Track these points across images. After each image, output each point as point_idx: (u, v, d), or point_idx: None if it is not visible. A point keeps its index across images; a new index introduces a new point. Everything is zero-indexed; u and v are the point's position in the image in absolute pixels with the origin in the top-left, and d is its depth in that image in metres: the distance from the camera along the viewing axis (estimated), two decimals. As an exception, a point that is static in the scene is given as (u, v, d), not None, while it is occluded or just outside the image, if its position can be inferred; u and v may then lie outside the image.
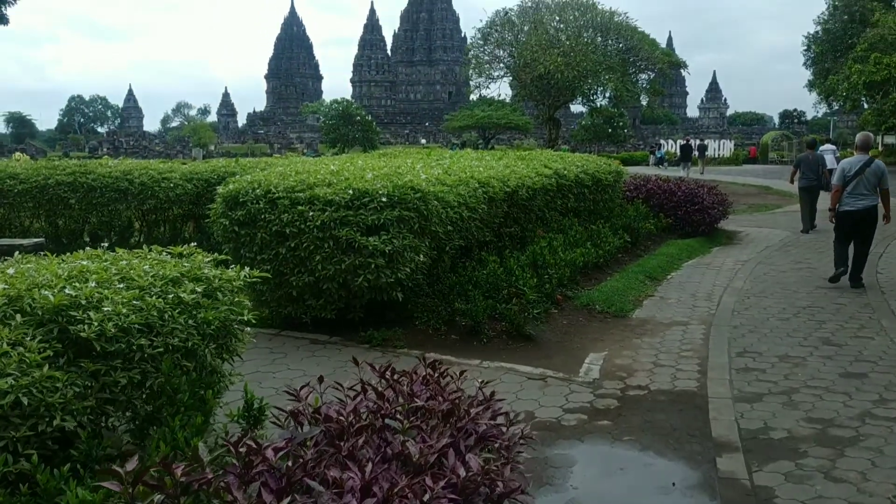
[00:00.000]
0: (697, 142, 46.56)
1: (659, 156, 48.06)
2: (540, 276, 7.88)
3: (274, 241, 6.34)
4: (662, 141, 58.24)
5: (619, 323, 7.63)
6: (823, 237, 13.57)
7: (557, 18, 27.72)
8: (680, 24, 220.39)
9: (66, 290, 3.18)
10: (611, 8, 27.64)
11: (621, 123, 51.99)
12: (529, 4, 28.34)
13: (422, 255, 6.46)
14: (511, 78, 30.65)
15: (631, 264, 10.43)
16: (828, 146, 24.44)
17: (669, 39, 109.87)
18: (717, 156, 52.23)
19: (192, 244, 4.33)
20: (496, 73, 29.56)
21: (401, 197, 6.27)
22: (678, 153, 51.04)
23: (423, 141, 69.75)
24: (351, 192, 6.25)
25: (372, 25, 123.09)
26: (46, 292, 3.13)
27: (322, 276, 6.21)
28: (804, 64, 52.04)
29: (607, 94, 30.02)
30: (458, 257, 7.81)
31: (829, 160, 26.40)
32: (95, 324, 3.05)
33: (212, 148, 60.37)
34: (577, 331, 7.26)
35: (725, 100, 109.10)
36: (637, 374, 5.96)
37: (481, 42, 29.39)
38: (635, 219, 11.67)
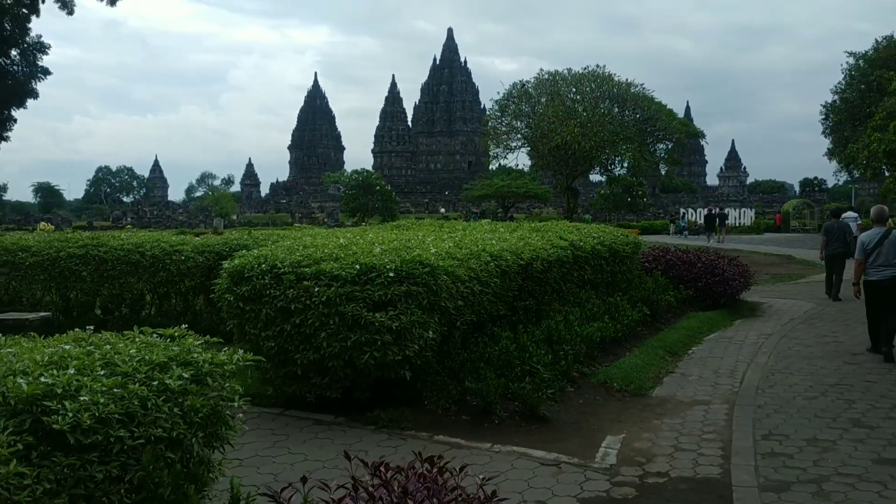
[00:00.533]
0: (717, 210, 46.46)
1: (682, 224, 47.93)
2: (555, 352, 7.62)
3: (279, 318, 6.17)
4: (683, 210, 58.15)
5: (638, 402, 7.32)
6: (849, 308, 13.21)
7: (574, 90, 27.99)
8: (697, 94, 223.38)
9: (43, 378, 3.01)
10: (627, 79, 27.93)
11: (640, 192, 52.03)
12: (546, 76, 28.69)
13: (431, 332, 6.26)
14: (529, 148, 30.83)
15: (650, 339, 10.13)
16: (850, 213, 24.23)
17: (687, 109, 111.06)
18: (738, 224, 51.88)
19: (203, 316, 4.16)
20: (514, 144, 29.78)
21: (409, 272, 6.11)
22: (699, 222, 50.96)
23: (443, 210, 70.16)
24: (358, 266, 6.10)
25: (393, 97, 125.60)
26: (21, 380, 2.96)
27: (327, 353, 6.02)
28: (823, 132, 51.99)
29: (625, 164, 30.04)
30: (470, 332, 7.59)
31: (853, 228, 26.26)
32: (70, 414, 2.87)
33: (234, 217, 61.00)
34: (594, 411, 6.96)
35: (745, 168, 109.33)
36: (657, 460, 5.64)
37: (499, 113, 29.70)
38: (654, 291, 11.42)
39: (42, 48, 37.05)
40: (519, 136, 29.24)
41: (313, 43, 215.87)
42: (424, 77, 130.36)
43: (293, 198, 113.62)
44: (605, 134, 25.94)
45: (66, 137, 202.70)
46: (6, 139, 38.12)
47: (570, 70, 28.68)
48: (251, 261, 6.42)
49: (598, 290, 11.08)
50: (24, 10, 37.16)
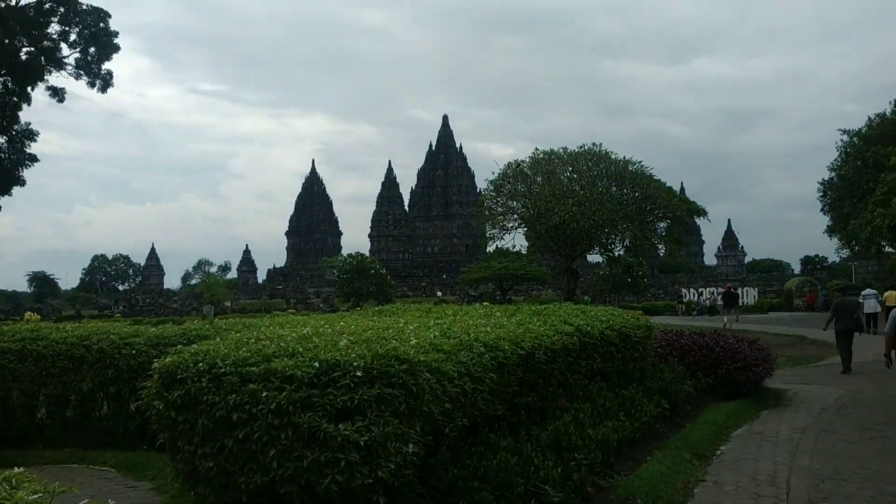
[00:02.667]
0: (715, 290, 45.36)
1: (706, 302, 46.51)
2: (565, 462, 6.33)
3: (219, 431, 4.90)
4: (684, 290, 57.03)
5: (669, 523, 5.99)
6: (884, 396, 11.92)
7: (570, 169, 27.24)
8: (692, 175, 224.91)
9: None
10: (624, 157, 27.19)
11: (640, 273, 51.05)
12: (542, 156, 27.98)
13: (411, 445, 4.98)
14: (526, 229, 29.89)
15: (672, 437, 8.82)
16: (869, 291, 23.59)
17: (682, 190, 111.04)
18: (742, 303, 50.70)
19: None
20: (510, 224, 28.83)
21: (381, 370, 4.89)
22: (706, 302, 49.71)
23: (439, 293, 69.16)
24: (317, 364, 4.87)
25: (389, 182, 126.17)
26: None
27: (279, 475, 4.73)
28: (822, 209, 51.48)
29: (626, 244, 29.06)
30: (462, 440, 6.31)
31: (873, 304, 25.24)
32: None
33: (227, 304, 59.67)
34: (616, 538, 5.63)
35: (742, 247, 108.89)
36: None
37: (493, 194, 28.87)
38: (672, 381, 10.15)
39: (31, 135, 36.61)
40: (515, 216, 28.29)
41: (312, 131, 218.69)
42: (421, 162, 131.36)
43: (290, 283, 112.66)
44: (604, 213, 25.01)
45: (66, 227, 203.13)
46: (-10, 226, 37.17)
47: (565, 149, 28.04)
48: (187, 359, 5.17)
49: (608, 380, 9.81)
50: (14, 99, 36.89)
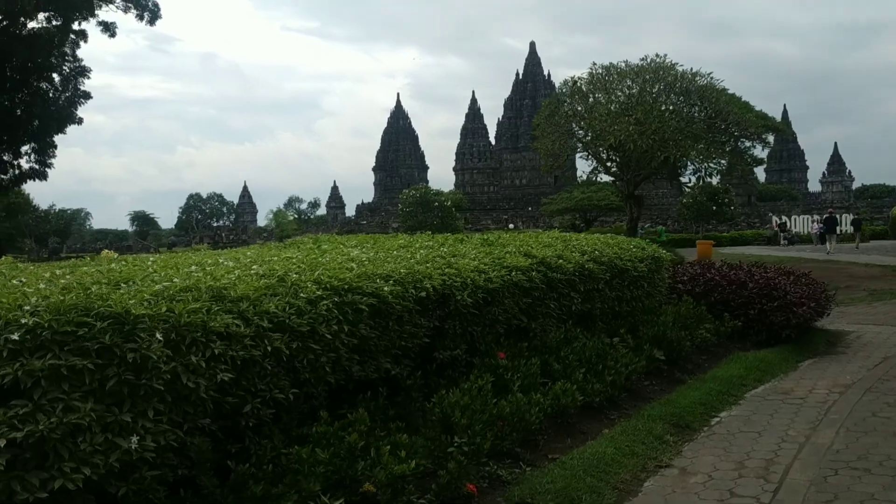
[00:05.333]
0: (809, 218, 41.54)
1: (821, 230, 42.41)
2: (442, 447, 4.55)
3: None
4: (775, 217, 52.90)
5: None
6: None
7: (630, 83, 24.51)
8: (797, 97, 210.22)
9: None
10: (691, 68, 24.20)
11: (726, 200, 47.45)
12: (600, 70, 25.32)
13: (135, 439, 3.31)
14: (587, 153, 27.50)
15: (657, 399, 6.86)
16: None
17: (784, 113, 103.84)
18: (839, 231, 46.51)
19: None
20: (567, 150, 26.46)
21: (61, 330, 3.21)
22: (809, 230, 45.43)
23: (511, 226, 67.25)
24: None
25: (473, 114, 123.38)
26: None
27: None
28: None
29: (704, 169, 26.23)
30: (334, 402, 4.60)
31: None
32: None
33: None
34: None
35: (850, 172, 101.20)
36: None
37: (550, 113, 26.51)
38: (674, 325, 8.07)
39: (84, 72, 36.25)
40: (574, 139, 25.87)
41: (402, 65, 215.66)
42: (507, 92, 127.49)
43: (375, 218, 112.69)
44: (667, 130, 22.33)
45: (170, 168, 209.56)
46: (50, 166, 37.41)
47: (627, 62, 25.22)
48: None
49: (592, 325, 7.89)
50: (72, 36, 36.51)
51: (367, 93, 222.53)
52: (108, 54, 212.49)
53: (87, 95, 36.33)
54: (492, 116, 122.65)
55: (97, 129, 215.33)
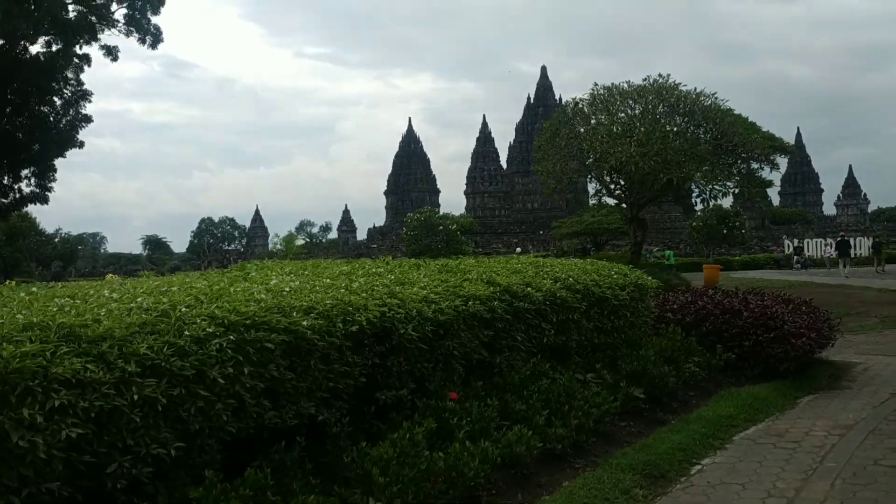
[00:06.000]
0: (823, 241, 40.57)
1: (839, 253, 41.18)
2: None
3: None
4: (787, 241, 51.94)
5: None
6: None
7: (632, 103, 23.89)
8: (812, 119, 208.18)
9: None
10: (695, 88, 23.56)
11: (737, 223, 46.57)
12: (602, 91, 24.73)
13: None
14: (589, 176, 26.87)
15: (632, 444, 6.14)
16: None
17: (798, 136, 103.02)
18: (855, 255, 45.50)
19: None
20: (568, 173, 25.82)
21: None
22: (823, 254, 44.29)
23: (519, 250, 66.59)
24: None
25: (485, 138, 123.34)
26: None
27: None
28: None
29: (710, 192, 25.46)
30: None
31: None
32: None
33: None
34: None
35: (865, 195, 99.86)
36: None
37: (551, 134, 25.92)
38: (657, 359, 7.36)
39: (85, 96, 36.15)
40: (575, 161, 25.20)
41: (417, 90, 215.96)
42: (519, 116, 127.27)
43: (386, 242, 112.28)
44: (669, 152, 21.66)
45: (186, 192, 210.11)
46: (50, 189, 37.20)
47: (629, 83, 24.64)
48: None
49: (568, 358, 7.22)
50: (75, 60, 36.43)
51: (382, 117, 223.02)
52: (125, 80, 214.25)
53: (87, 119, 36.20)
54: (504, 140, 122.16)
55: (114, 153, 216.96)
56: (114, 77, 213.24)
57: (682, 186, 25.11)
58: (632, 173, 22.20)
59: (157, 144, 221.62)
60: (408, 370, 5.48)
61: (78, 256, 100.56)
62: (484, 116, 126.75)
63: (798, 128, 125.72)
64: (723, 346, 8.62)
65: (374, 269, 6.52)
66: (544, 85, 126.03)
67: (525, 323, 6.65)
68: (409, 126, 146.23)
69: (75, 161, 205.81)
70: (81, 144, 36.80)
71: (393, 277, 5.90)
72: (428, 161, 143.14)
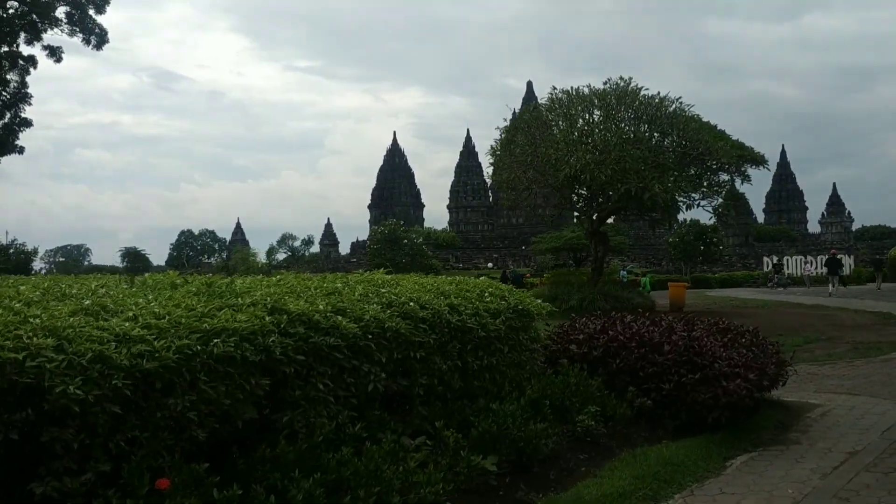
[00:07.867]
0: (803, 259, 38.87)
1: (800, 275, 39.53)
2: None
3: None
4: (767, 258, 50.25)
5: None
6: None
7: (593, 108, 22.17)
8: (797, 138, 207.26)
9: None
10: (659, 92, 21.87)
11: (715, 239, 44.88)
12: (561, 95, 23.04)
13: None
14: (544, 187, 25.09)
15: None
16: None
17: (783, 153, 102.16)
18: (845, 273, 43.87)
19: None
20: (524, 182, 24.05)
21: None
22: (802, 272, 42.79)
23: (490, 265, 65.04)
24: None
25: (468, 152, 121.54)
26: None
27: None
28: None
29: (671, 203, 23.64)
30: None
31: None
32: None
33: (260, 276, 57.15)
34: None
35: (849, 213, 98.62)
36: None
37: (504, 146, 24.17)
38: (524, 415, 5.46)
39: (25, 98, 34.26)
40: (531, 170, 23.41)
41: (405, 105, 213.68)
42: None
43: (366, 256, 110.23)
44: (628, 160, 19.91)
45: (174, 205, 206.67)
46: (-16, 198, 35.10)
47: (590, 86, 22.94)
48: None
49: (411, 411, 5.35)
50: (20, 62, 34.54)
51: (371, 131, 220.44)
52: (114, 91, 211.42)
53: (27, 123, 34.28)
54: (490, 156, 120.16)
55: (101, 165, 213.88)
56: (104, 88, 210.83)
57: (664, 199, 23.08)
58: (589, 182, 20.47)
59: (145, 157, 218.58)
60: (100, 443, 3.60)
61: (32, 269, 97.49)
62: (468, 130, 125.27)
63: (783, 145, 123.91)
64: (637, 390, 6.75)
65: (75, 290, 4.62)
66: (529, 99, 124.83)
67: (334, 365, 4.77)
68: (395, 140, 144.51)
69: (63, 173, 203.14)
70: (21, 150, 34.80)
71: (89, 303, 4.01)
72: (412, 175, 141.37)
